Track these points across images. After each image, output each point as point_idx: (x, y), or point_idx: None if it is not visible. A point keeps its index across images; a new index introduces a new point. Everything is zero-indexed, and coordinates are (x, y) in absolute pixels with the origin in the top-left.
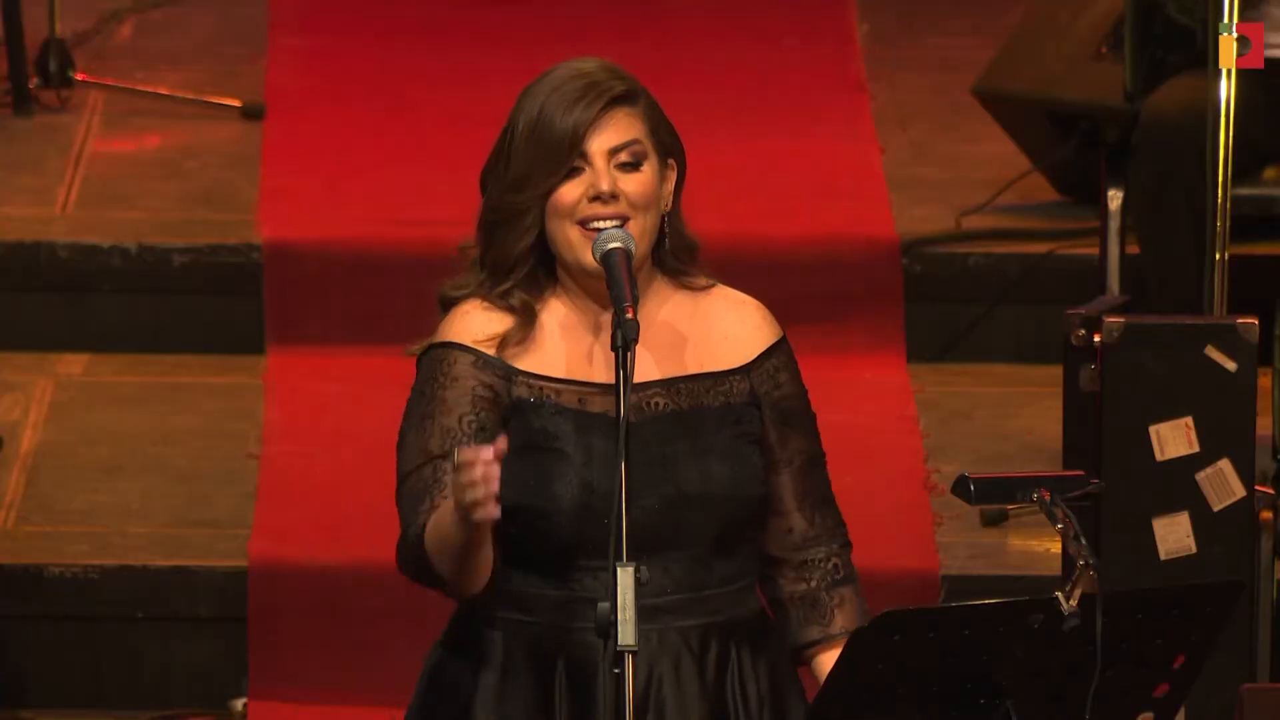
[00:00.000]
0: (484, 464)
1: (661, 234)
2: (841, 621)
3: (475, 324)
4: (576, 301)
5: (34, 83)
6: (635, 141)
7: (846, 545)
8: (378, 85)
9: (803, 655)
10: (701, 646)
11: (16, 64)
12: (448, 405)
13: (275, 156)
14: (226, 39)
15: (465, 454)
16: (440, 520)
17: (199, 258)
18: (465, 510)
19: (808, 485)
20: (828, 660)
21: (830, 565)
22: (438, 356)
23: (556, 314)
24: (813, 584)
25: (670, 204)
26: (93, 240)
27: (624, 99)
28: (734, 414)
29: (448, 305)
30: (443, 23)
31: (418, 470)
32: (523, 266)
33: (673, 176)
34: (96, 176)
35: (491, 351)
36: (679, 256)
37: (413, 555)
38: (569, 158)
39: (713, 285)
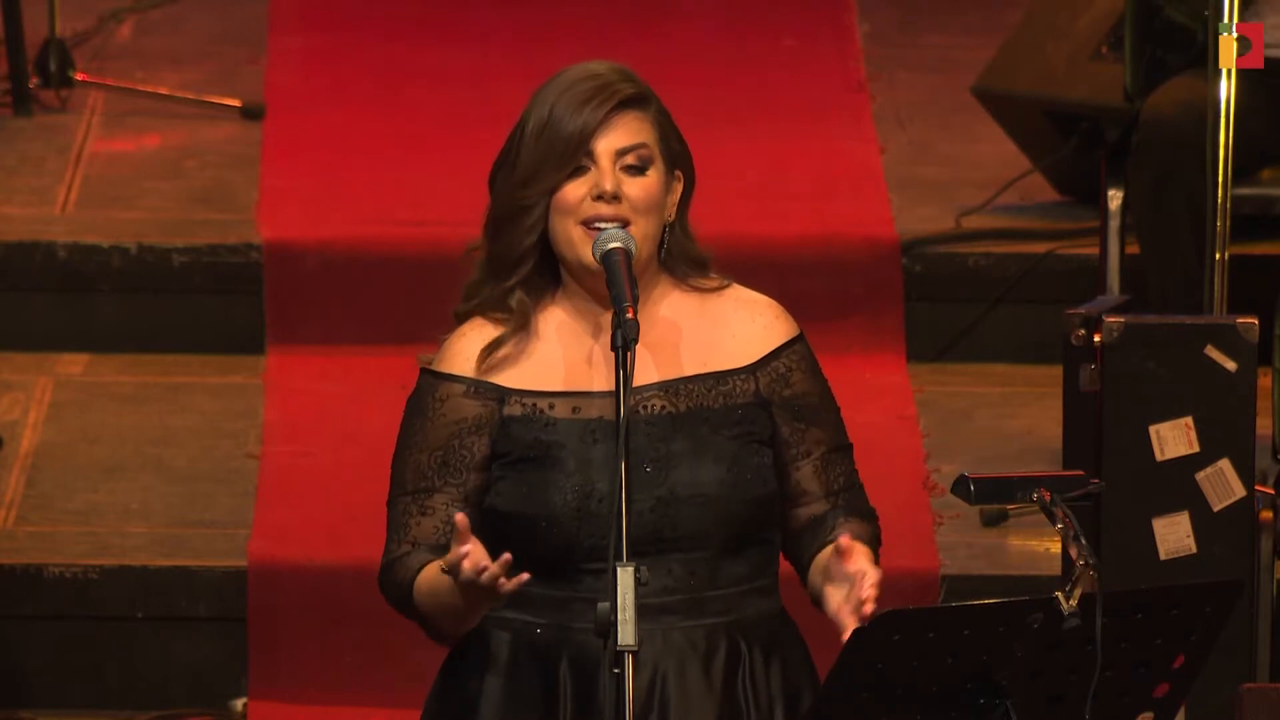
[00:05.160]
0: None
1: (662, 243)
2: (844, 529)
3: (473, 346)
4: (577, 303)
5: (34, 83)
6: (642, 145)
7: (873, 515)
8: (378, 85)
9: (809, 580)
10: (709, 647)
11: (16, 64)
12: (427, 441)
13: (275, 156)
14: (226, 39)
15: (449, 560)
16: (437, 583)
17: (199, 258)
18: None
19: (831, 473)
20: (820, 558)
21: (848, 506)
22: (430, 385)
23: (556, 319)
24: (826, 510)
25: (673, 213)
26: (93, 240)
27: (634, 102)
28: (736, 414)
29: (460, 320)
30: (443, 22)
31: (395, 500)
32: (526, 264)
33: (678, 188)
34: (96, 176)
35: (486, 373)
36: (686, 266)
37: (396, 594)
38: (575, 156)
39: (726, 285)
